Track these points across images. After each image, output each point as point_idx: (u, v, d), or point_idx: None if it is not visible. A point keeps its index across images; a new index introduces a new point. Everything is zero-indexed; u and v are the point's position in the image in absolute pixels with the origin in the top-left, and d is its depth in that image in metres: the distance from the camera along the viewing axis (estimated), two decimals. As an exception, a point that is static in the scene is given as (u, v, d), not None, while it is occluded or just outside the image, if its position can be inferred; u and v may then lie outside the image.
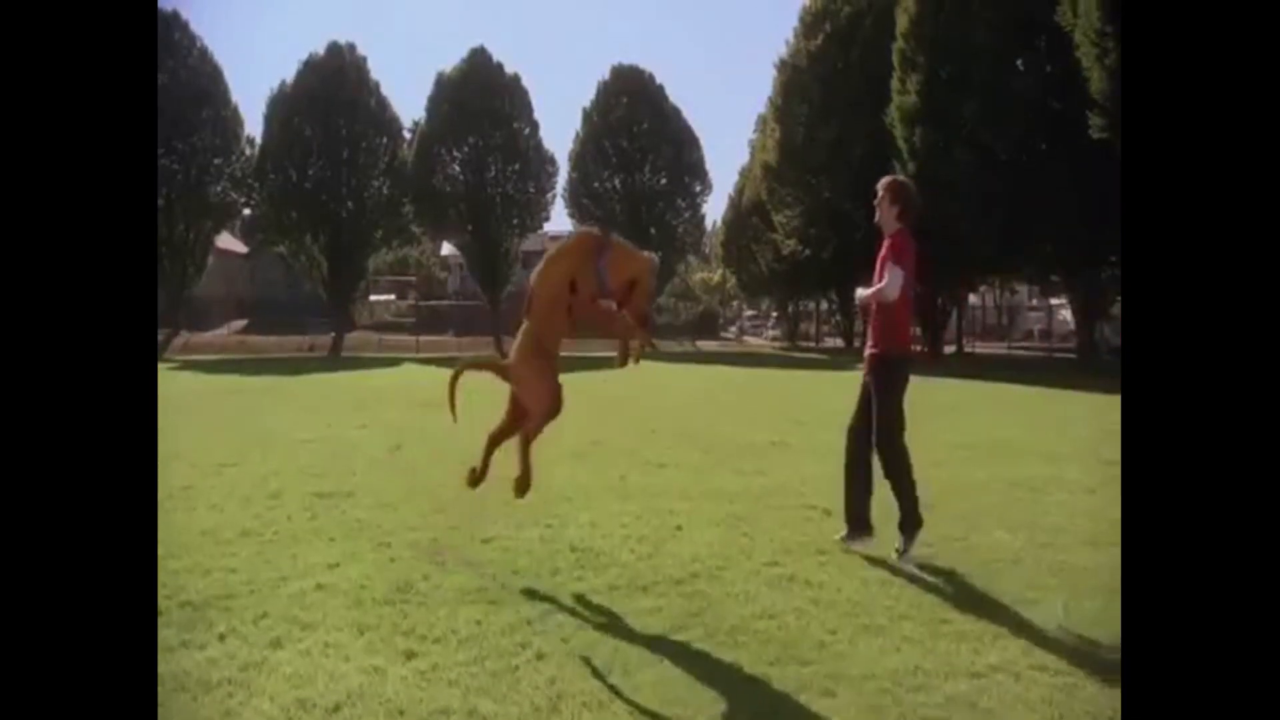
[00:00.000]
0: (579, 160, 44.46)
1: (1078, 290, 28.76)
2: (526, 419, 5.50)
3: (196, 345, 37.23)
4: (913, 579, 5.22)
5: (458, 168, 40.97)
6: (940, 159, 26.51)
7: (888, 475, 5.78)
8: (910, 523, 5.69)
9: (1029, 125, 24.94)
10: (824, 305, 55.42)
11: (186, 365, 27.43)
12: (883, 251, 5.65)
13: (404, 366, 28.73)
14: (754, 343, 55.87)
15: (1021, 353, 42.81)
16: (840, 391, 19.42)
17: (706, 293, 71.95)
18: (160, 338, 32.82)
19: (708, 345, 48.59)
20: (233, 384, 19.88)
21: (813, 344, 54.40)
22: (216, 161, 36.09)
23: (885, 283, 5.57)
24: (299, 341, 39.41)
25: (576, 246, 5.44)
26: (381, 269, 53.33)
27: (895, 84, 29.06)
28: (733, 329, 71.13)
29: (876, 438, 5.73)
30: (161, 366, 23.46)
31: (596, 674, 3.80)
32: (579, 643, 4.14)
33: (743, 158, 65.75)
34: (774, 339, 60.98)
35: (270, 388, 18.81)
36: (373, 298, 56.41)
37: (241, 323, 50.44)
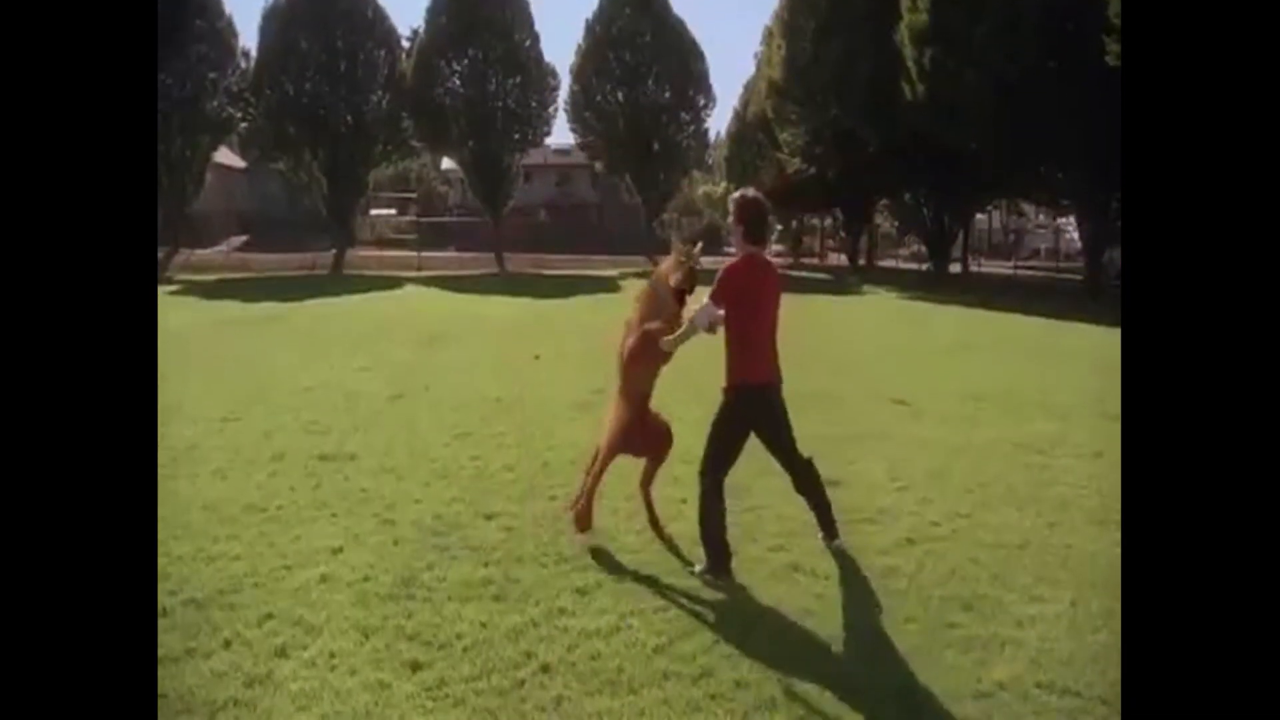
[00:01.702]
0: (581, 73, 43.54)
1: (1087, 215, 28.38)
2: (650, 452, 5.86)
3: (197, 264, 36.95)
4: (919, 570, 5.18)
5: (458, 81, 40.14)
6: (950, 81, 25.88)
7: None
8: (713, 563, 5.08)
9: (1041, 48, 24.24)
10: (828, 221, 54.99)
11: (187, 288, 27.27)
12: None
13: (406, 289, 28.56)
14: (758, 259, 55.48)
15: (1028, 273, 42.57)
16: (845, 324, 19.35)
17: (710, 206, 71.23)
18: (160, 255, 32.56)
19: (709, 261, 48.25)
20: (233, 313, 19.78)
21: (816, 260, 54.10)
22: (212, 75, 35.32)
23: (695, 314, 5.07)
24: (300, 259, 39.13)
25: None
26: (382, 183, 52.71)
27: (905, 2, 28.24)
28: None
29: (701, 464, 5.24)
30: (161, 291, 23.32)
31: (601, 691, 3.79)
32: (584, 653, 4.12)
33: (748, 70, 64.47)
34: (778, 254, 60.58)
35: (271, 318, 18.71)
36: (373, 212, 55.85)
37: (241, 238, 50.08)
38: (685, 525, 5.85)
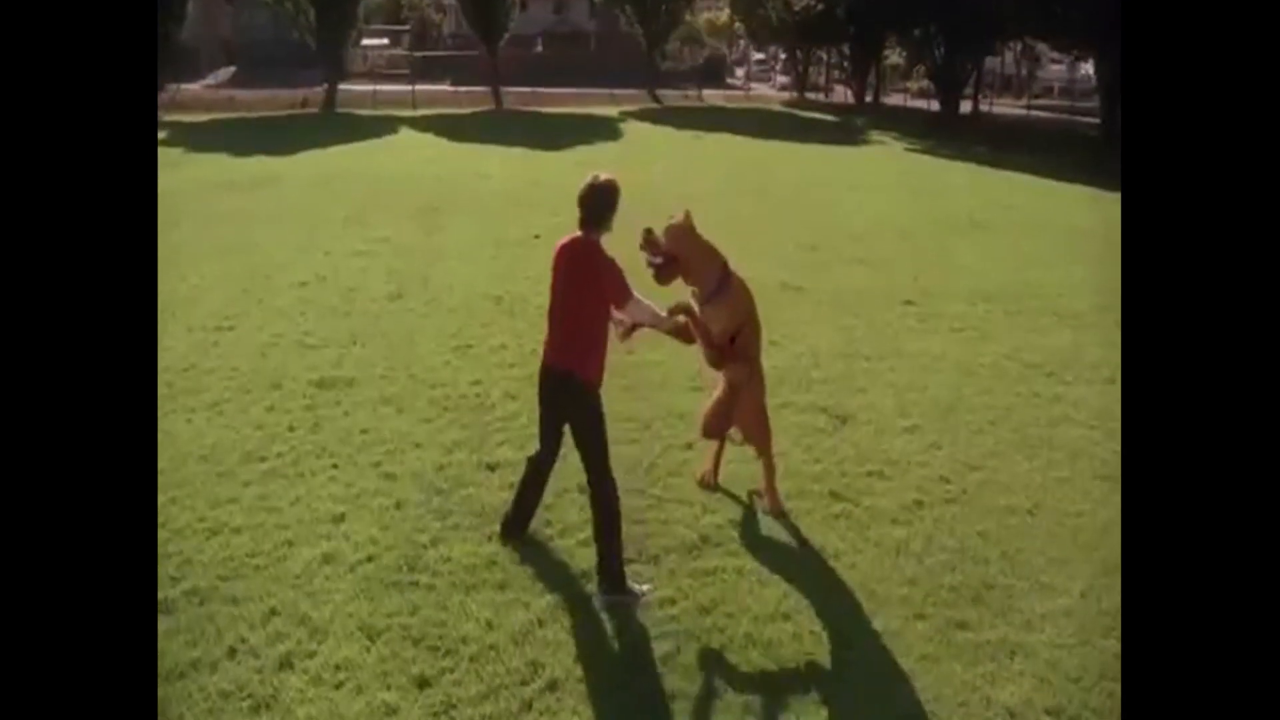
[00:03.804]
0: (580, -106, 41.10)
1: (1107, 61, 27.27)
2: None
3: (185, 101, 35.68)
4: (927, 547, 5.12)
5: (449, -98, 37.92)
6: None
7: None
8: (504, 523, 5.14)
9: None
10: (833, 55, 53.10)
11: (174, 135, 26.33)
12: None
13: (401, 135, 27.62)
14: (762, 93, 53.80)
15: (1041, 114, 41.33)
16: (853, 191, 18.71)
17: (713, 35, 68.59)
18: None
19: (713, 96, 46.76)
20: (222, 173, 19.07)
21: (821, 96, 52.48)
22: (187, -102, 33.26)
23: None
24: (290, 96, 37.81)
25: None
26: (373, 12, 50.40)
27: None
28: (740, 72, 68.41)
29: None
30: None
31: (609, 715, 3.78)
32: (590, 663, 4.09)
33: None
34: (782, 88, 58.75)
35: (262, 180, 18.01)
36: (365, 43, 53.60)
37: (229, 70, 48.35)
38: (690, 486, 5.79)
